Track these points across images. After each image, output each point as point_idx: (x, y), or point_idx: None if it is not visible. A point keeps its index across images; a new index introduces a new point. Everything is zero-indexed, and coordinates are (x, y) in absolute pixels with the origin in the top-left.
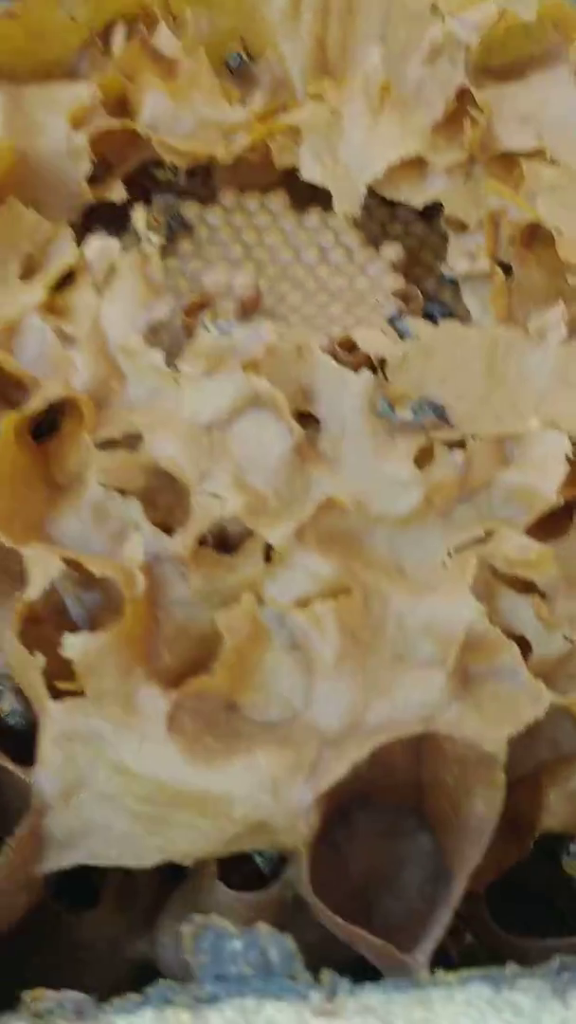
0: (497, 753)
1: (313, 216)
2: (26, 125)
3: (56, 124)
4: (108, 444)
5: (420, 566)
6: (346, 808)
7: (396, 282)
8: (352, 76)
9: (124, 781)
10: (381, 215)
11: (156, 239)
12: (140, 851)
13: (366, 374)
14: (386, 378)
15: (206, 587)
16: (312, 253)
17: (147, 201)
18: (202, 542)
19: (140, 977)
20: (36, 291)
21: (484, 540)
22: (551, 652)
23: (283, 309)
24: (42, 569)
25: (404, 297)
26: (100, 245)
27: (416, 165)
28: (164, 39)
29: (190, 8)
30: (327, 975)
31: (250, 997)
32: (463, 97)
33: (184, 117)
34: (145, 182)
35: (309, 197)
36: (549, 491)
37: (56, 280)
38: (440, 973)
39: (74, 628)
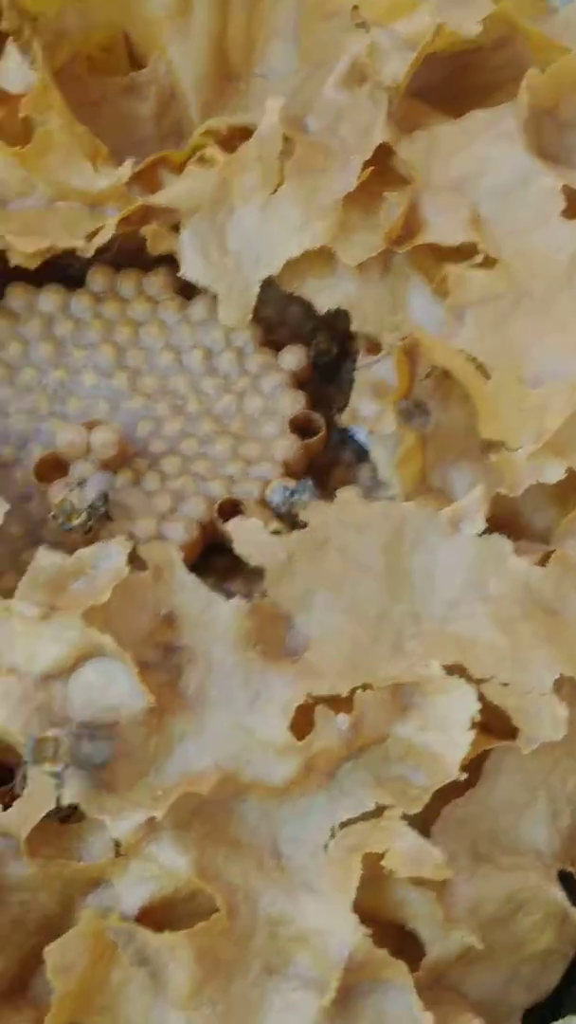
0: None
1: (200, 305)
2: None
3: None
4: None
5: (300, 848)
6: None
7: (295, 403)
8: (255, 99)
9: None
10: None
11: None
12: None
13: (236, 602)
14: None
15: (46, 873)
16: (196, 357)
17: None
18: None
19: None
20: None
21: (375, 815)
22: (448, 951)
23: (157, 446)
24: None
25: (304, 426)
26: None
27: (323, 255)
28: (12, 66)
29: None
30: None
31: None
32: (384, 155)
33: (37, 189)
34: None
35: None
36: (452, 763)
37: None
38: None
39: None
